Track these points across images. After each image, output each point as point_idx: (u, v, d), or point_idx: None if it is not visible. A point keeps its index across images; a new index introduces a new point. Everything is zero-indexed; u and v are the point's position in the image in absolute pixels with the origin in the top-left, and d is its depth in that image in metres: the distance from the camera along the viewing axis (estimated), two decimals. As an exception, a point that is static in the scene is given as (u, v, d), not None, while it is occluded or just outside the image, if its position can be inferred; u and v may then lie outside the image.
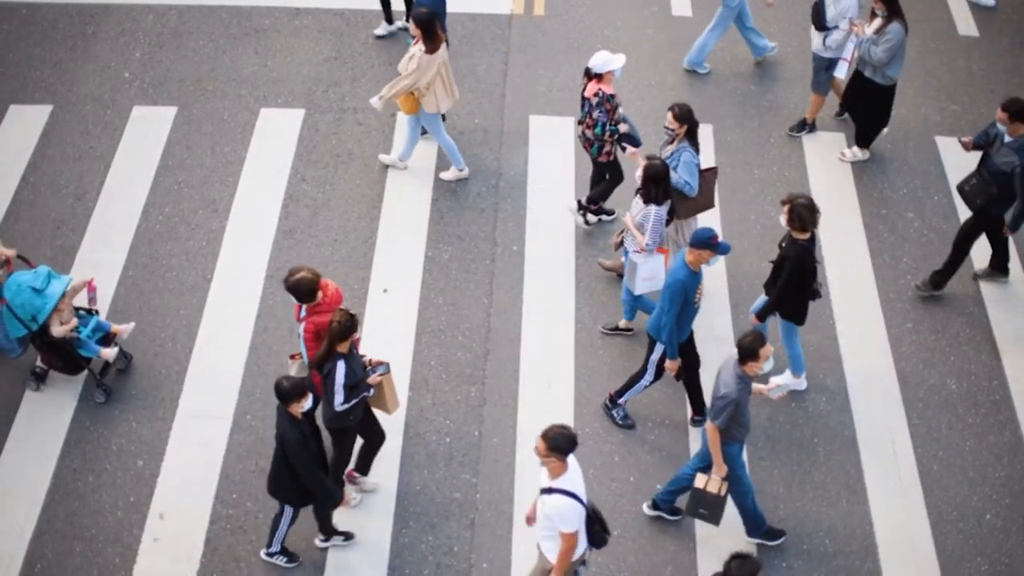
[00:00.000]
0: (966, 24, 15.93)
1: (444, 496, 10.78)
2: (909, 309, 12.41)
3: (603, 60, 12.13)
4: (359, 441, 10.44)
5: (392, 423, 11.26)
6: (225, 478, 10.86)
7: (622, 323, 12.03)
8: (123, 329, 11.50)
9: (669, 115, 11.51)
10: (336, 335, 9.60)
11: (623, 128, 12.26)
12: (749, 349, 9.51)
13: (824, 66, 13.63)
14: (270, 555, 10.22)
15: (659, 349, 10.72)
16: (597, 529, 9.04)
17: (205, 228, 13.08)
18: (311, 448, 9.44)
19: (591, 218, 13.01)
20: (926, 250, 12.99)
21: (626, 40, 15.57)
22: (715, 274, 12.65)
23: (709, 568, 10.29)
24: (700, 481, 9.96)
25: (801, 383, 11.63)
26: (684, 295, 10.31)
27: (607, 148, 12.39)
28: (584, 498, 8.81)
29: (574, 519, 8.70)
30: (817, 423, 11.38)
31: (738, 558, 8.31)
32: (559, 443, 8.58)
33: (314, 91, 14.69)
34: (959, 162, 13.98)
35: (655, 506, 10.59)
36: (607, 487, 10.86)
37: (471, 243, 12.96)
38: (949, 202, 13.51)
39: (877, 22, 13.04)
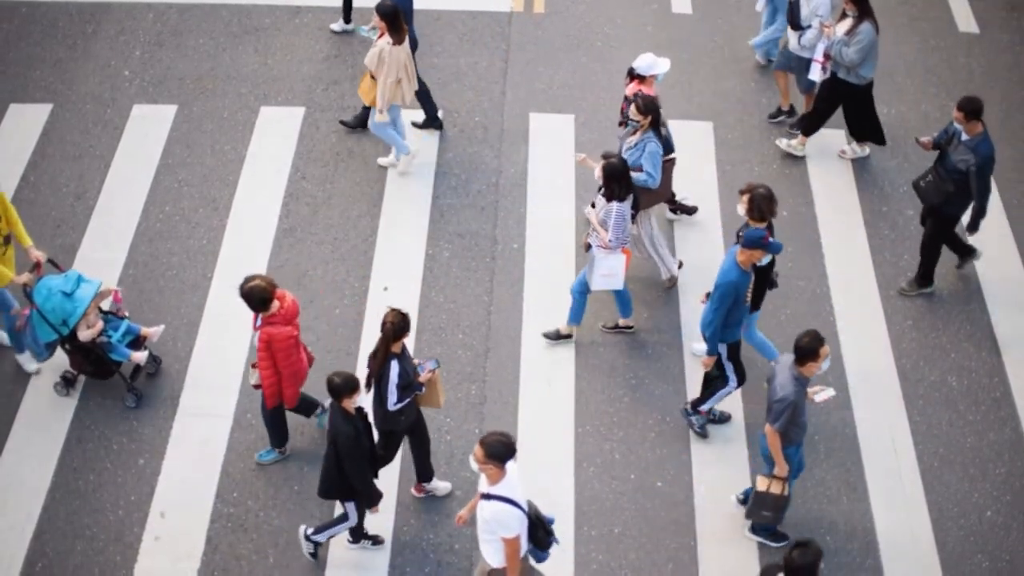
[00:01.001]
0: (966, 21, 15.93)
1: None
2: (910, 306, 12.41)
3: (648, 63, 12.15)
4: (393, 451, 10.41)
5: (393, 421, 11.28)
6: (226, 476, 10.87)
7: (622, 321, 12.03)
8: (153, 332, 11.43)
9: (632, 107, 11.56)
10: (390, 335, 9.60)
11: (663, 132, 12.25)
12: (808, 349, 9.41)
13: (804, 66, 13.58)
14: (307, 537, 10.14)
15: (724, 348, 10.65)
16: (540, 534, 9.05)
17: (205, 226, 13.08)
18: (363, 445, 9.42)
19: (670, 215, 13.14)
20: (926, 247, 12.99)
21: (626, 38, 15.57)
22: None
23: (710, 566, 10.30)
24: (763, 484, 9.88)
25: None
26: (735, 295, 10.26)
27: None
28: (523, 503, 8.80)
29: (514, 524, 8.71)
30: (818, 420, 11.38)
31: (800, 546, 8.26)
32: (497, 450, 8.56)
33: (314, 89, 14.69)
34: (959, 159, 13.99)
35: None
36: (608, 485, 10.86)
37: (471, 241, 12.96)
38: (949, 199, 13.51)
39: (848, 22, 12.97)
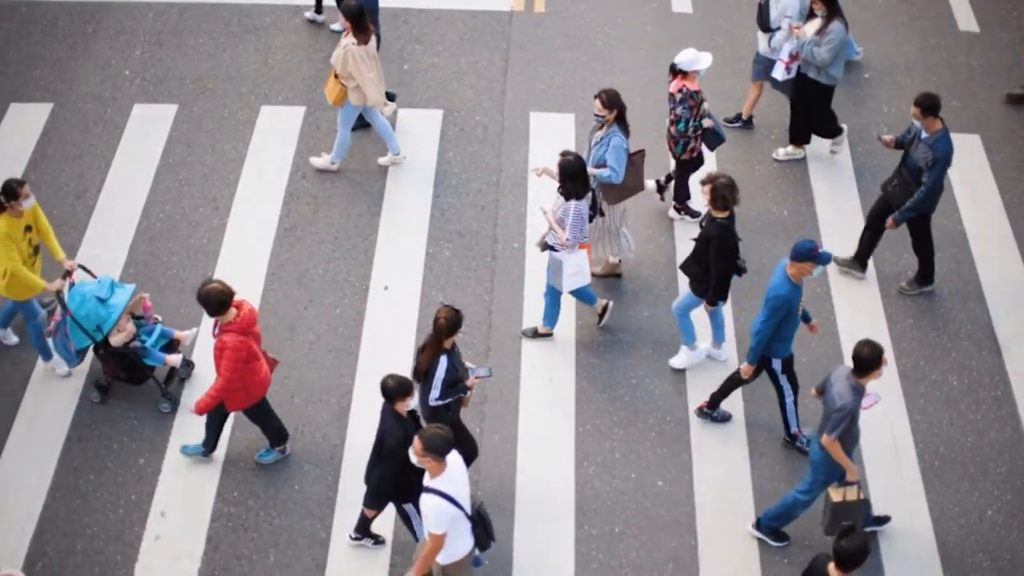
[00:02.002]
0: (966, 20, 15.92)
1: (445, 493, 10.79)
2: (910, 305, 12.41)
3: (690, 58, 12.16)
4: None
5: (393, 420, 11.28)
6: (226, 476, 10.86)
7: (599, 305, 12.03)
8: (186, 336, 11.40)
9: (597, 102, 11.54)
10: (443, 331, 9.61)
11: (707, 123, 12.28)
12: (872, 359, 9.37)
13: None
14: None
15: (777, 363, 10.61)
16: (480, 532, 9.06)
17: (206, 226, 13.08)
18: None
19: (673, 213, 13.20)
20: (927, 246, 12.98)
21: (626, 37, 15.57)
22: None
23: (710, 566, 10.30)
24: (837, 495, 9.78)
25: (699, 353, 11.75)
26: (786, 309, 10.21)
27: (691, 145, 12.40)
28: (463, 500, 8.79)
29: (444, 521, 8.69)
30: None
31: (846, 534, 8.30)
32: (434, 443, 8.57)
33: (315, 88, 14.68)
34: (959, 159, 13.96)
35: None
36: (608, 484, 10.86)
37: (472, 240, 12.96)
38: (950, 198, 13.50)
39: (817, 22, 12.92)
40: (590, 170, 11.44)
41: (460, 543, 8.97)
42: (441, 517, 8.66)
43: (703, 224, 10.98)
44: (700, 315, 11.78)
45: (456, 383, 9.82)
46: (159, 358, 11.13)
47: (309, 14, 15.54)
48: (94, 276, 11.26)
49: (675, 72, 12.29)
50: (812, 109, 13.45)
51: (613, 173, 11.58)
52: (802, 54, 12.98)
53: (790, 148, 13.84)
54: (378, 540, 10.35)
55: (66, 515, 10.58)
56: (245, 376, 10.07)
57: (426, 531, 8.83)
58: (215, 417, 10.54)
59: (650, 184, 13.07)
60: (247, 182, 13.55)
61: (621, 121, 11.65)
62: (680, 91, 12.21)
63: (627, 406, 11.48)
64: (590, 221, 11.50)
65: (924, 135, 11.60)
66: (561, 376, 11.70)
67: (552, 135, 14.14)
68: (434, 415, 9.88)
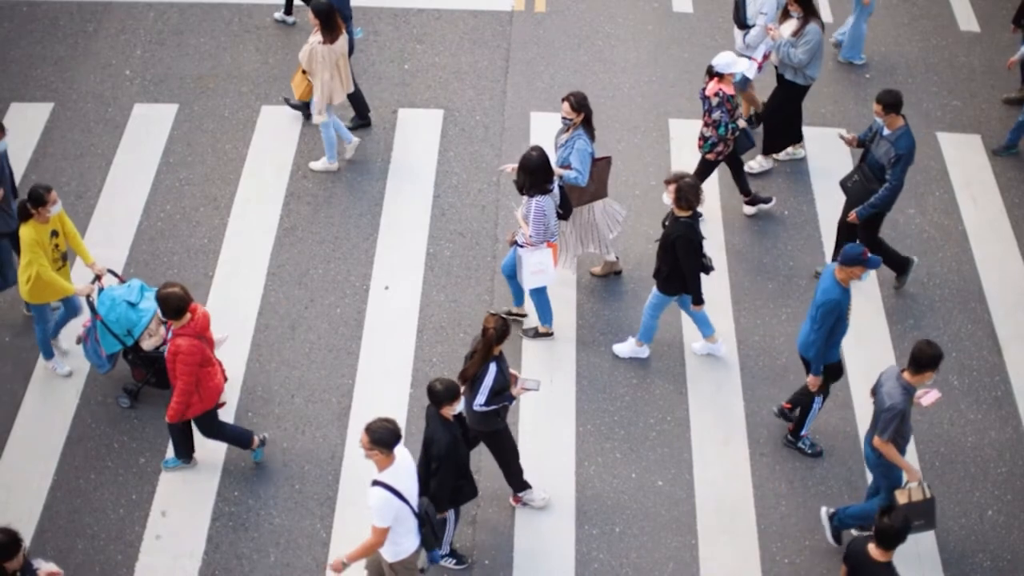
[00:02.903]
0: (967, 20, 15.93)
1: (446, 493, 10.79)
2: (911, 305, 12.41)
3: (728, 61, 12.17)
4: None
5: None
6: (227, 475, 10.86)
7: (515, 308, 12.06)
8: (217, 340, 11.35)
9: (565, 104, 11.53)
10: (492, 340, 9.60)
11: (742, 123, 12.30)
12: (930, 359, 9.33)
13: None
14: (442, 557, 10.10)
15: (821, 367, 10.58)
16: (427, 532, 9.06)
17: (207, 225, 13.08)
18: (460, 452, 9.37)
19: (748, 209, 13.23)
20: (927, 246, 12.98)
21: (627, 37, 15.57)
22: (719, 270, 12.64)
23: (711, 565, 10.30)
24: (903, 496, 9.70)
25: (644, 351, 11.77)
26: (837, 313, 10.18)
27: (719, 148, 12.41)
28: (410, 496, 8.79)
29: (388, 514, 8.68)
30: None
31: (887, 512, 8.42)
32: (381, 436, 8.58)
33: (315, 88, 14.69)
34: (961, 158, 13.99)
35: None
36: (609, 484, 10.86)
37: (472, 240, 12.96)
38: (951, 198, 13.51)
39: (793, 23, 12.90)
40: (556, 171, 11.45)
41: (407, 541, 8.96)
42: (385, 511, 8.67)
43: (666, 224, 11.00)
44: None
45: (502, 391, 9.81)
46: None
47: (278, 15, 15.54)
48: (122, 280, 11.19)
49: (711, 75, 12.28)
50: (784, 110, 13.43)
51: (579, 176, 11.58)
52: (778, 55, 12.97)
53: (790, 148, 13.83)
54: (461, 560, 10.27)
55: (67, 514, 10.58)
56: (200, 380, 10.05)
57: (371, 523, 8.83)
58: (176, 427, 10.50)
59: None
60: (248, 182, 13.55)
61: (587, 125, 11.67)
62: (717, 95, 12.20)
63: (627, 406, 11.48)
64: (563, 219, 11.52)
65: (886, 132, 11.60)
66: (562, 376, 11.70)
67: (553, 135, 14.12)
68: (483, 419, 9.89)
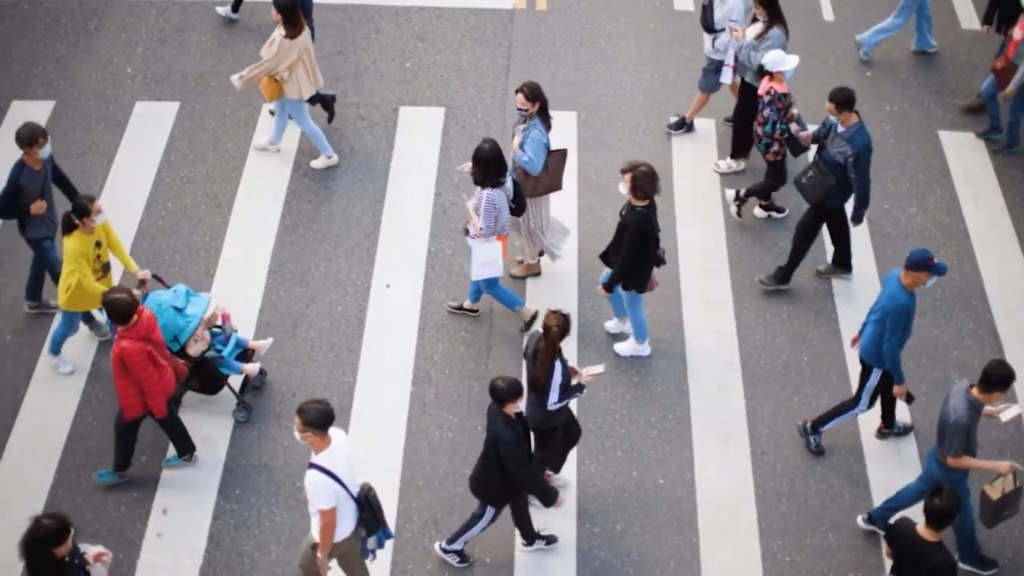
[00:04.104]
0: (969, 19, 15.91)
1: (447, 491, 10.78)
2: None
3: (776, 59, 12.17)
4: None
5: (395, 418, 11.27)
6: (228, 473, 10.86)
7: (467, 303, 12.11)
8: (261, 345, 11.33)
9: (519, 95, 11.58)
10: (556, 338, 9.61)
11: (794, 128, 12.23)
12: (1001, 379, 9.29)
13: (714, 68, 13.48)
14: (446, 551, 10.14)
15: (876, 376, 10.53)
16: (367, 516, 9.07)
17: (208, 223, 13.08)
18: (525, 448, 9.40)
19: (760, 212, 13.14)
20: (929, 244, 12.97)
21: (628, 34, 15.57)
22: (720, 269, 12.64)
23: (712, 563, 10.30)
24: (995, 492, 9.67)
25: (644, 349, 11.75)
26: (907, 319, 10.14)
27: (775, 148, 12.38)
28: (345, 478, 8.81)
29: (328, 495, 8.72)
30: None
31: (936, 493, 8.48)
32: (314, 418, 8.62)
33: (316, 86, 14.69)
34: (962, 156, 13.98)
35: (871, 520, 10.42)
36: (610, 482, 10.86)
37: (474, 238, 12.96)
38: (952, 196, 13.51)
39: (758, 27, 12.87)
40: (512, 149, 11.55)
41: (343, 524, 8.99)
42: (325, 492, 8.71)
43: (623, 213, 11.01)
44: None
45: (569, 385, 9.83)
46: (236, 367, 11.03)
47: (223, 10, 15.57)
48: (167, 285, 11.13)
49: (762, 74, 12.26)
50: (752, 115, 13.38)
51: (530, 162, 11.59)
52: (740, 57, 12.96)
53: (731, 161, 13.74)
54: (551, 540, 10.29)
55: (68, 512, 10.50)
56: (145, 379, 10.03)
57: (314, 508, 8.85)
58: (127, 430, 10.46)
59: (730, 193, 13.05)
60: (249, 180, 13.55)
61: (543, 115, 11.70)
62: (768, 93, 12.19)
63: (629, 404, 11.48)
64: (517, 215, 11.53)
65: (840, 129, 11.61)
66: (563, 374, 11.70)
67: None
68: (550, 417, 9.90)
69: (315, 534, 9.06)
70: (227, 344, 11.09)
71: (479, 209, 11.21)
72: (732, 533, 10.52)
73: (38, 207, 11.21)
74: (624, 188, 10.83)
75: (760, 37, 12.79)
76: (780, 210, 13.16)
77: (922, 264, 10.00)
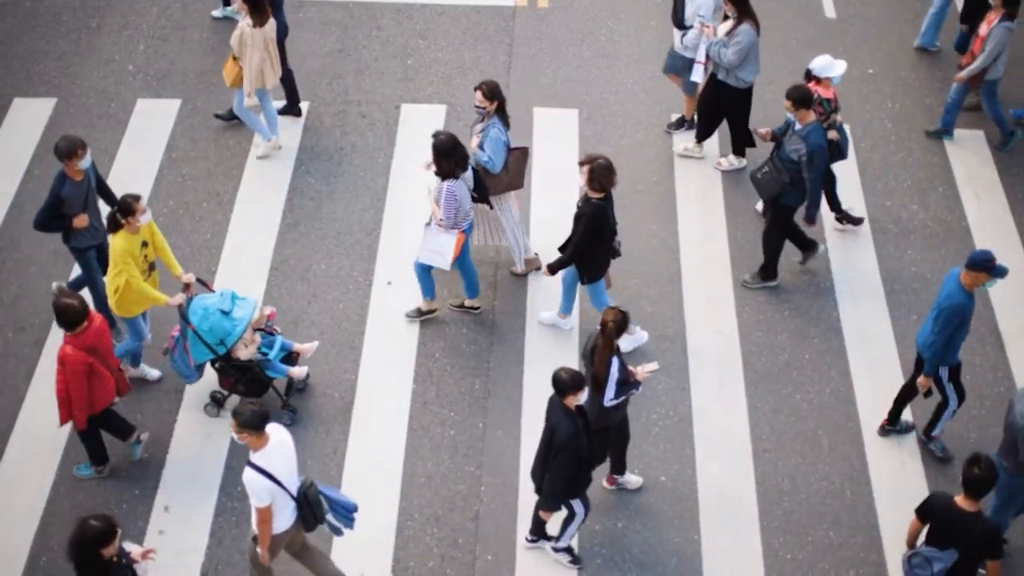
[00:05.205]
0: (971, 15, 15.90)
1: (448, 488, 10.79)
2: (914, 301, 12.40)
3: (824, 64, 12.17)
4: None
5: (397, 416, 11.28)
6: (230, 471, 10.87)
7: (467, 302, 12.13)
8: (307, 348, 11.28)
9: (478, 93, 11.61)
10: (613, 333, 9.63)
11: (832, 135, 12.19)
12: None
13: (687, 66, 13.45)
14: (557, 550, 10.16)
15: (945, 372, 10.49)
16: (306, 513, 9.16)
17: (210, 220, 13.08)
18: (582, 442, 9.39)
19: (836, 225, 13.00)
20: (930, 241, 12.98)
21: (630, 32, 15.56)
22: (722, 266, 12.64)
23: (713, 561, 10.31)
24: None
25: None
26: (961, 319, 10.10)
27: None
28: (282, 477, 8.91)
29: (263, 494, 8.85)
30: (821, 415, 11.38)
31: (975, 462, 8.66)
32: (248, 420, 8.75)
33: (318, 84, 14.69)
34: (964, 154, 13.98)
35: None
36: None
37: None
38: (954, 194, 13.50)
39: (728, 23, 12.87)
40: (472, 150, 11.61)
41: (278, 520, 9.10)
42: (260, 491, 8.85)
43: (579, 204, 11.07)
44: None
45: (626, 381, 9.85)
46: (282, 370, 11.00)
47: (217, 12, 15.60)
48: (211, 289, 11.10)
49: (809, 78, 12.25)
50: (731, 113, 13.38)
51: (490, 161, 11.62)
52: (710, 54, 12.94)
53: (691, 145, 13.76)
54: (575, 559, 10.28)
55: (70, 510, 10.59)
56: (75, 391, 9.99)
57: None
58: (88, 430, 10.44)
59: (758, 207, 13.03)
60: (250, 177, 13.55)
61: (501, 113, 11.74)
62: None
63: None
64: (480, 202, 11.59)
65: (797, 127, 11.64)
66: (564, 371, 11.70)
67: (556, 130, 14.14)
68: (607, 414, 9.90)
69: (254, 527, 9.18)
70: (272, 347, 11.05)
71: (439, 200, 11.25)
72: (734, 530, 10.52)
73: (80, 221, 11.09)
74: (582, 181, 10.90)
75: (730, 33, 12.79)
76: (856, 221, 13.03)
77: (982, 265, 9.96)
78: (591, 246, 11.03)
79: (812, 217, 11.94)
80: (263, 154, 13.64)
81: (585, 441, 9.44)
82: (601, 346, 9.71)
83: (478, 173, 11.60)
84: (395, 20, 15.65)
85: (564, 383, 9.21)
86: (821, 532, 10.52)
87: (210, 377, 11.26)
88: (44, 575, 10.17)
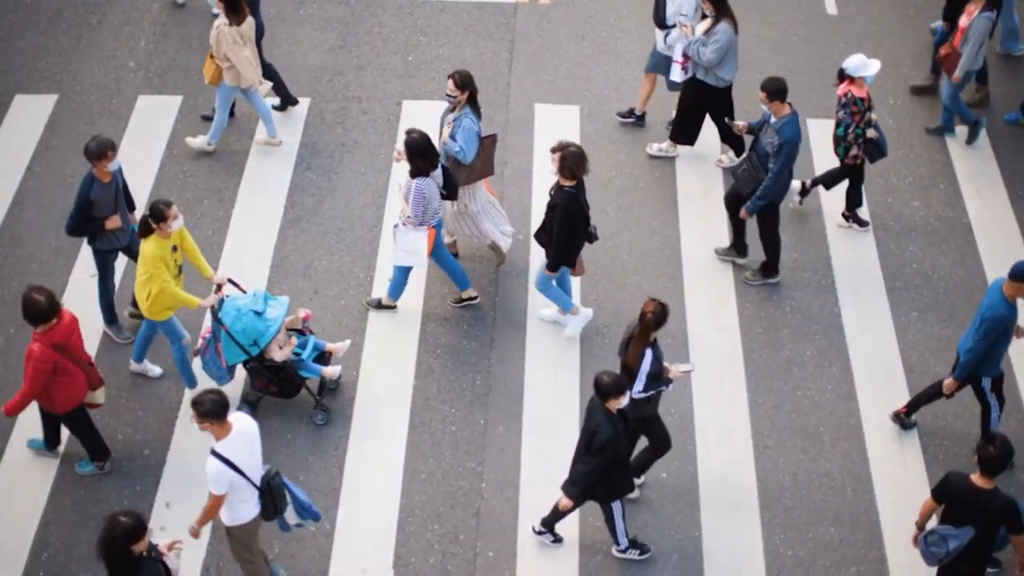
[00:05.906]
0: (972, 12, 15.88)
1: (450, 485, 10.79)
2: (915, 298, 12.40)
3: (858, 63, 12.14)
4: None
5: (398, 412, 11.28)
6: (231, 467, 10.87)
7: (464, 294, 12.13)
8: (339, 348, 11.25)
9: (450, 82, 11.65)
10: (651, 324, 9.65)
11: (871, 134, 12.18)
12: None
13: (670, 66, 13.40)
14: (623, 551, 10.19)
15: (987, 382, 10.48)
16: (266, 502, 9.23)
17: (211, 217, 13.08)
18: (620, 446, 9.42)
19: (841, 222, 13.00)
20: (932, 238, 12.97)
21: (631, 28, 15.55)
22: (723, 263, 12.64)
23: (714, 558, 10.30)
24: None
25: (585, 313, 11.84)
26: (1002, 330, 10.08)
27: (853, 151, 12.30)
28: (245, 467, 8.97)
29: (221, 482, 8.93)
30: (823, 412, 11.38)
31: (989, 440, 8.79)
32: (209, 409, 8.80)
33: (319, 80, 14.69)
34: (965, 150, 13.97)
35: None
36: (612, 476, 10.87)
37: (476, 232, 12.95)
38: (955, 190, 13.50)
39: (707, 22, 12.86)
40: (442, 140, 11.63)
41: (243, 509, 9.17)
42: (219, 479, 8.92)
43: (552, 193, 11.09)
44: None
45: (658, 376, 9.85)
46: (315, 370, 10.97)
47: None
48: (243, 290, 11.06)
49: (843, 77, 12.24)
50: (704, 112, 13.33)
51: (461, 151, 11.63)
52: (689, 53, 12.93)
53: (665, 145, 13.74)
54: (557, 539, 10.31)
55: (71, 506, 10.60)
56: (54, 387, 9.97)
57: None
58: (77, 424, 10.46)
59: (795, 184, 12.97)
60: (251, 173, 13.56)
61: (473, 103, 11.76)
62: (845, 95, 12.15)
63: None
64: (449, 199, 11.61)
65: (772, 120, 11.63)
66: (566, 369, 11.70)
67: (557, 127, 14.13)
68: (634, 407, 9.90)
69: (223, 518, 9.25)
70: (305, 347, 11.02)
71: (408, 198, 11.25)
72: (734, 527, 10.52)
73: (113, 223, 11.07)
74: (553, 168, 10.91)
75: (708, 32, 12.78)
76: (862, 223, 13.00)
77: None
78: (572, 233, 11.08)
79: (752, 209, 11.82)
80: (198, 149, 13.59)
81: (624, 444, 9.50)
82: (638, 336, 9.73)
83: (447, 170, 11.56)
84: (396, 16, 15.64)
85: (607, 387, 9.26)
86: (822, 528, 10.52)
87: (207, 376, 11.25)
88: (46, 572, 10.18)
